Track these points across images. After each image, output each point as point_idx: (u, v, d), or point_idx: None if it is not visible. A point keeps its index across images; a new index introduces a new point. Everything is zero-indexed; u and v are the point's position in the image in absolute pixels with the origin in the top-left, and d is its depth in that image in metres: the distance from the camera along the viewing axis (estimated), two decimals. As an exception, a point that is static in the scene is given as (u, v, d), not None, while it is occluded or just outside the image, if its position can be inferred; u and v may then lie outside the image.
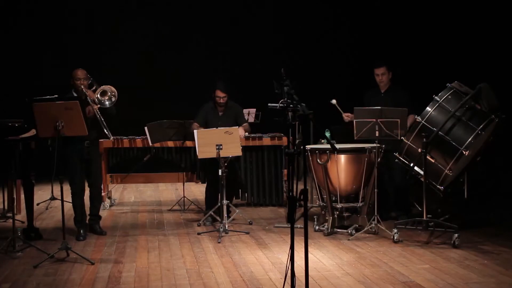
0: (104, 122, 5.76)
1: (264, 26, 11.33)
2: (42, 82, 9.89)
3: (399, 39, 10.26)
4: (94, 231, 5.99)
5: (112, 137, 5.93)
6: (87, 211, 6.06)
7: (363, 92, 6.68)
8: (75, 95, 5.78)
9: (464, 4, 9.05)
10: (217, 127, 6.41)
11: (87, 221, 6.03)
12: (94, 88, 5.86)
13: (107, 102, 5.68)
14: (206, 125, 6.58)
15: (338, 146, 5.76)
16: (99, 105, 5.69)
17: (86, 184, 6.00)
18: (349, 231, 5.75)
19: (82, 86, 5.73)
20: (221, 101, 6.60)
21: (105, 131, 5.80)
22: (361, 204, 5.98)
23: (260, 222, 6.55)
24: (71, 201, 5.91)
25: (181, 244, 5.58)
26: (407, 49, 9.96)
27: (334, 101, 6.26)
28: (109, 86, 5.72)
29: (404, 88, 6.42)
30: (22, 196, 6.08)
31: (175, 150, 7.51)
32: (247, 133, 6.78)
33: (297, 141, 6.82)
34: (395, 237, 5.46)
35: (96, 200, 6.10)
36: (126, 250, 5.38)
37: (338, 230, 5.88)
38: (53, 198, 7.83)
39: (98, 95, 5.66)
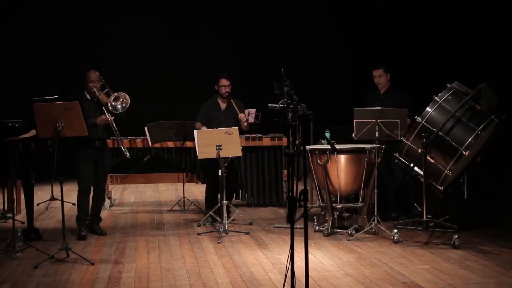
0: (120, 136, 5.83)
1: (264, 26, 11.33)
2: (42, 82, 9.91)
3: (399, 39, 10.25)
4: (93, 231, 5.99)
5: (128, 155, 5.96)
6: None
7: (363, 93, 6.68)
8: (88, 97, 5.83)
9: (464, 4, 9.05)
10: (220, 122, 6.42)
11: (87, 221, 6.02)
12: (106, 90, 5.87)
13: (119, 107, 5.71)
14: (208, 121, 6.57)
15: (338, 146, 5.76)
16: (113, 117, 5.73)
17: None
18: (349, 232, 5.75)
19: (95, 89, 5.75)
20: (226, 89, 6.59)
21: (122, 147, 5.93)
22: (361, 205, 5.98)
23: (260, 223, 6.55)
24: (72, 201, 5.93)
25: (181, 245, 5.58)
26: (407, 49, 9.96)
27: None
28: (123, 92, 5.74)
29: (404, 90, 6.40)
30: (22, 196, 6.08)
31: (175, 151, 7.51)
32: (247, 118, 6.71)
33: (297, 141, 6.82)
34: (395, 238, 5.46)
35: (99, 200, 6.10)
36: (126, 251, 5.38)
37: (338, 230, 5.88)
38: (53, 199, 7.82)
39: (112, 101, 5.69)
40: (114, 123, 5.77)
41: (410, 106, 5.88)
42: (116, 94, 5.74)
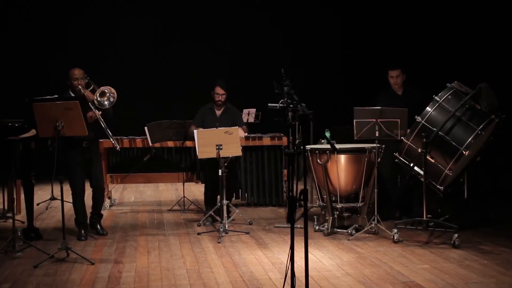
0: (108, 130, 5.69)
1: (264, 26, 11.34)
2: (42, 82, 9.91)
3: (399, 39, 10.26)
4: (95, 229, 5.95)
5: (119, 147, 5.74)
6: (89, 210, 6.03)
7: (375, 93, 6.57)
8: (72, 95, 5.68)
9: (464, 4, 9.05)
10: (215, 127, 6.40)
11: (88, 220, 5.99)
12: (92, 87, 5.77)
13: (106, 103, 5.60)
14: (203, 126, 6.56)
15: (338, 146, 5.76)
16: (100, 112, 5.63)
17: (88, 185, 5.96)
18: (349, 231, 5.75)
19: (80, 86, 5.65)
20: (220, 98, 6.58)
21: (111, 140, 5.74)
22: (361, 204, 5.98)
23: (260, 222, 6.56)
24: (71, 202, 5.90)
25: (181, 244, 5.58)
26: (407, 49, 9.96)
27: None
28: (108, 87, 5.64)
29: (420, 87, 6.34)
30: (22, 196, 6.07)
31: (175, 150, 7.51)
32: (246, 134, 6.77)
33: (297, 141, 6.82)
34: (395, 237, 5.46)
35: (99, 201, 6.01)
36: (126, 250, 5.38)
37: (338, 230, 5.88)
38: (53, 198, 7.83)
39: (97, 97, 5.60)
40: (102, 118, 5.64)
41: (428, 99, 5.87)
42: (102, 89, 5.61)
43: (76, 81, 5.68)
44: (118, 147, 5.75)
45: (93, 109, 5.62)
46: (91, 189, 6.00)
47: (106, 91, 5.62)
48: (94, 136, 5.84)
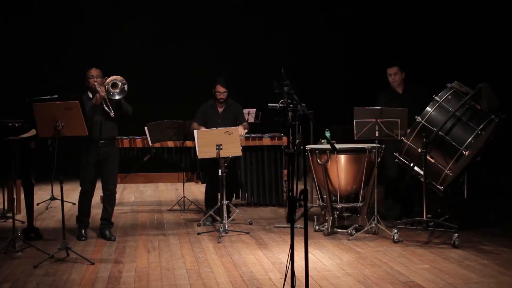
0: (108, 102, 5.55)
1: (264, 26, 11.33)
2: (42, 82, 9.91)
3: (399, 39, 10.26)
4: (103, 236, 5.84)
5: (112, 113, 5.63)
6: (95, 213, 6.00)
7: (376, 93, 6.54)
8: (90, 95, 5.68)
9: (464, 4, 9.05)
10: (217, 125, 6.41)
11: (97, 225, 5.98)
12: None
13: (117, 96, 5.54)
14: (205, 123, 6.56)
15: (338, 146, 5.76)
16: (105, 93, 5.53)
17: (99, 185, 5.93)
18: (349, 231, 5.75)
19: (96, 84, 5.59)
20: (222, 96, 6.57)
21: (106, 108, 5.56)
22: (361, 204, 5.98)
23: (260, 222, 6.56)
24: (72, 201, 5.90)
25: (181, 244, 5.58)
26: (407, 49, 9.96)
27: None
28: (115, 76, 5.56)
29: (424, 87, 6.30)
30: (22, 196, 6.08)
31: (175, 150, 7.51)
32: (246, 130, 6.76)
33: (297, 141, 6.81)
34: (395, 237, 5.46)
35: (109, 204, 5.91)
36: (126, 250, 5.38)
37: (338, 230, 5.88)
38: (53, 198, 7.82)
39: (109, 87, 5.51)
40: (107, 100, 5.54)
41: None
42: (111, 80, 5.54)
43: (92, 78, 5.64)
44: (112, 114, 5.59)
45: (99, 90, 5.53)
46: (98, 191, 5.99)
47: (117, 82, 5.55)
48: (113, 135, 5.80)
